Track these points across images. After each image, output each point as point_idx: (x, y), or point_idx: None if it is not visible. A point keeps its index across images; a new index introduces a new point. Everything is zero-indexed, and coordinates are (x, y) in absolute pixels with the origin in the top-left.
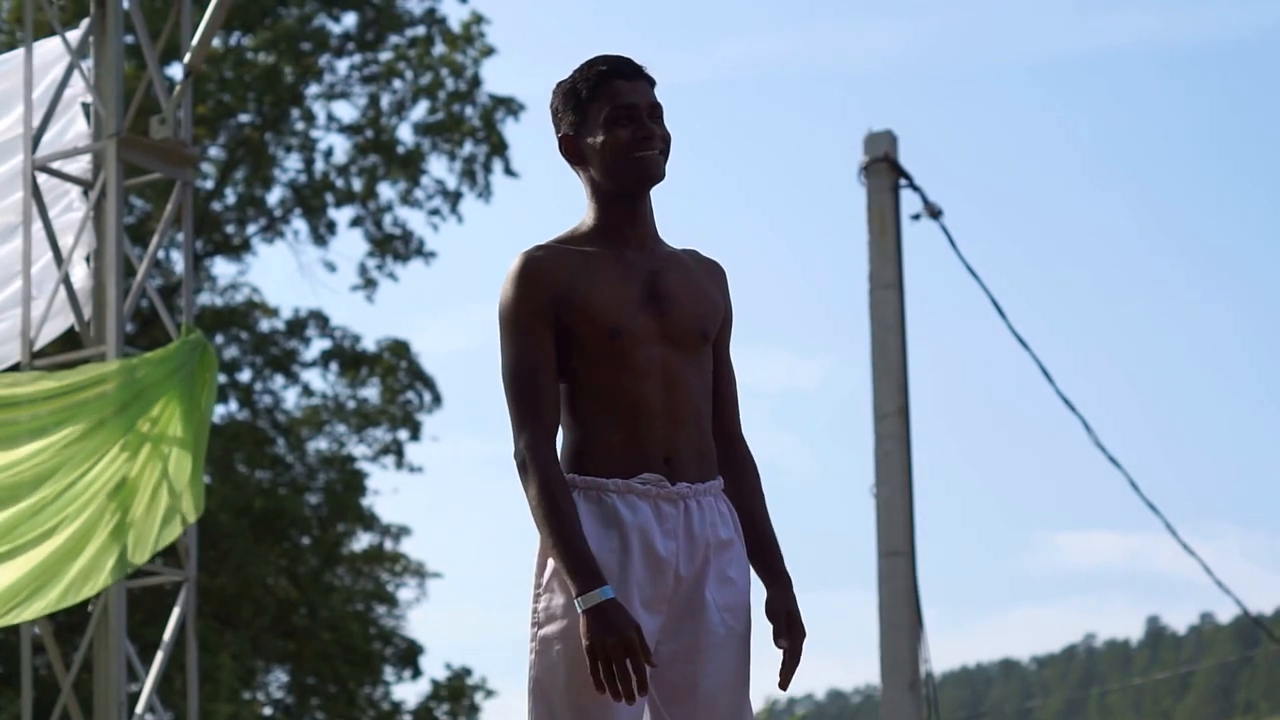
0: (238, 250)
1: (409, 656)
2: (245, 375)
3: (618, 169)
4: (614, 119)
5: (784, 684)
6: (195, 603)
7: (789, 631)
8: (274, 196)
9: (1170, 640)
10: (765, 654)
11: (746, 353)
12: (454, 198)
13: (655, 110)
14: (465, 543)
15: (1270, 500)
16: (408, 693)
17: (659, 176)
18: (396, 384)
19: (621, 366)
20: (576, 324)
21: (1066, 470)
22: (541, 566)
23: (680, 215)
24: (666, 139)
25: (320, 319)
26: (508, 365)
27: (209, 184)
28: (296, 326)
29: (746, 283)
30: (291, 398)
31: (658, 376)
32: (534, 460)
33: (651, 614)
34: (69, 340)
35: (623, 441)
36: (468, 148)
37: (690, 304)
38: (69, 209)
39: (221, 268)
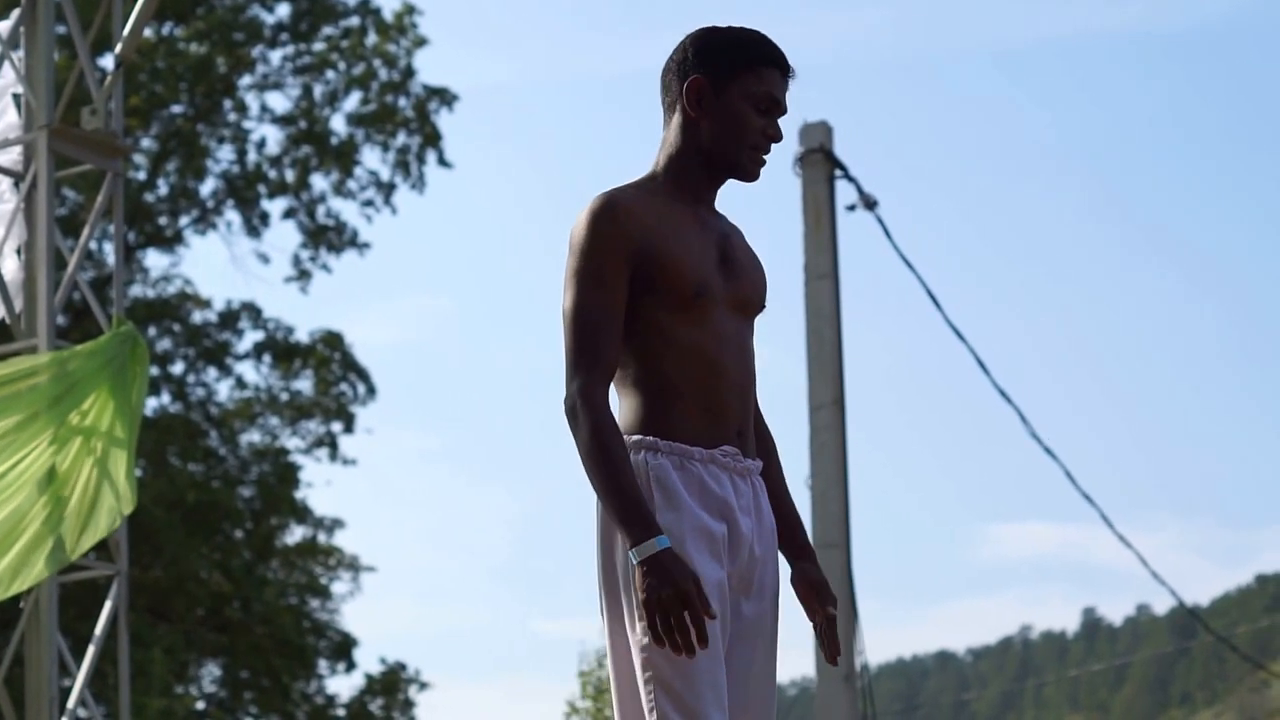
0: (170, 242)
1: (343, 650)
2: (178, 367)
3: (732, 147)
4: (760, 100)
5: (836, 653)
6: (127, 597)
7: (828, 599)
8: (206, 188)
9: (1106, 632)
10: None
11: None
12: (387, 189)
13: (785, 113)
14: (399, 536)
15: (1207, 491)
16: (342, 686)
17: (754, 179)
18: (330, 376)
19: (704, 328)
20: (659, 276)
21: (1002, 461)
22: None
23: None
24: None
25: (253, 311)
26: (574, 306)
27: (141, 175)
28: (229, 318)
29: None
30: (224, 390)
31: (732, 343)
32: (587, 405)
33: (732, 590)
34: None
35: (704, 410)
36: (401, 138)
37: (753, 271)
38: None
39: (154, 259)
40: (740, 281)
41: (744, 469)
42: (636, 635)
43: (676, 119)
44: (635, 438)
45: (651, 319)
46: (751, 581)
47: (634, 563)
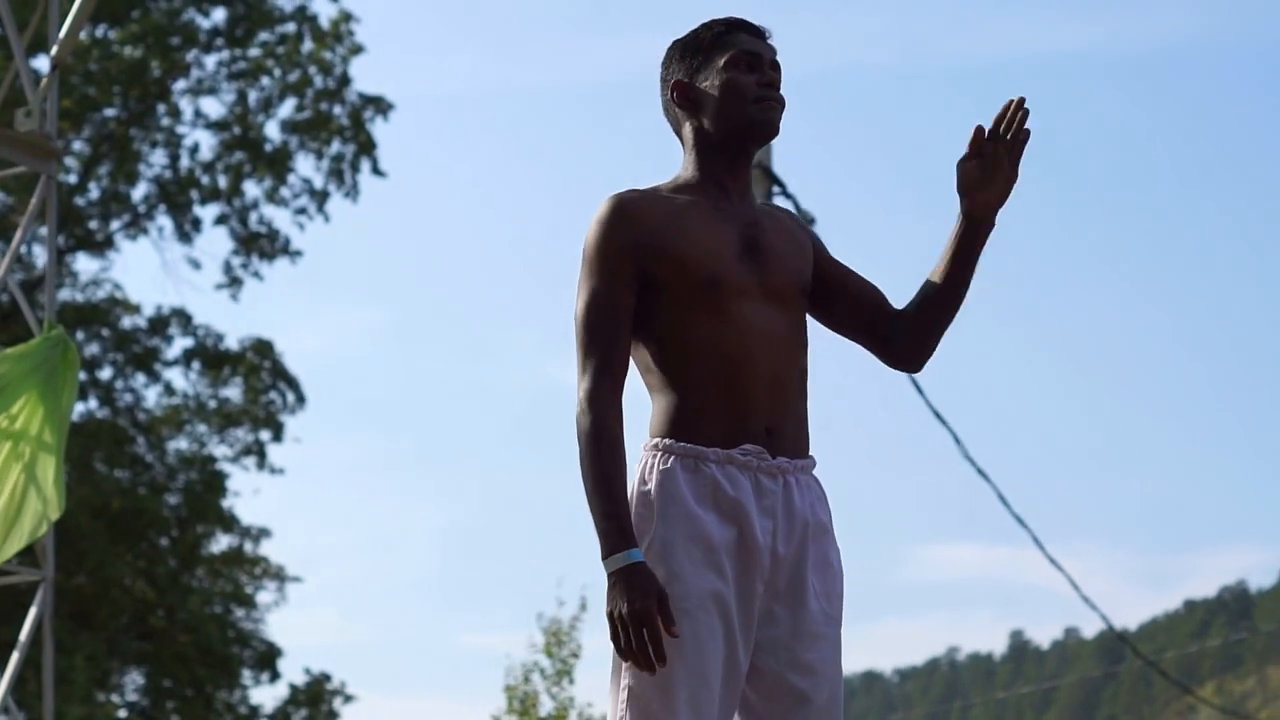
0: (100, 246)
1: (267, 660)
2: (106, 373)
3: (735, 114)
4: (736, 62)
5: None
6: (53, 603)
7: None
8: (138, 192)
9: (1034, 655)
10: None
11: None
12: (321, 197)
13: (777, 66)
14: (326, 546)
15: (1135, 516)
16: (265, 696)
17: (775, 131)
18: (259, 384)
19: (721, 321)
20: (669, 274)
21: (931, 482)
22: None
23: (557, 214)
24: (784, 100)
25: (183, 317)
26: (581, 311)
27: (72, 178)
28: (159, 324)
29: None
30: (152, 396)
31: (760, 334)
32: (588, 408)
33: (745, 597)
34: None
35: (724, 407)
36: (335, 146)
37: (788, 255)
38: None
39: (83, 263)
40: (772, 269)
41: (772, 468)
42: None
43: (683, 129)
44: (653, 441)
45: (668, 318)
46: (779, 586)
47: (606, 573)
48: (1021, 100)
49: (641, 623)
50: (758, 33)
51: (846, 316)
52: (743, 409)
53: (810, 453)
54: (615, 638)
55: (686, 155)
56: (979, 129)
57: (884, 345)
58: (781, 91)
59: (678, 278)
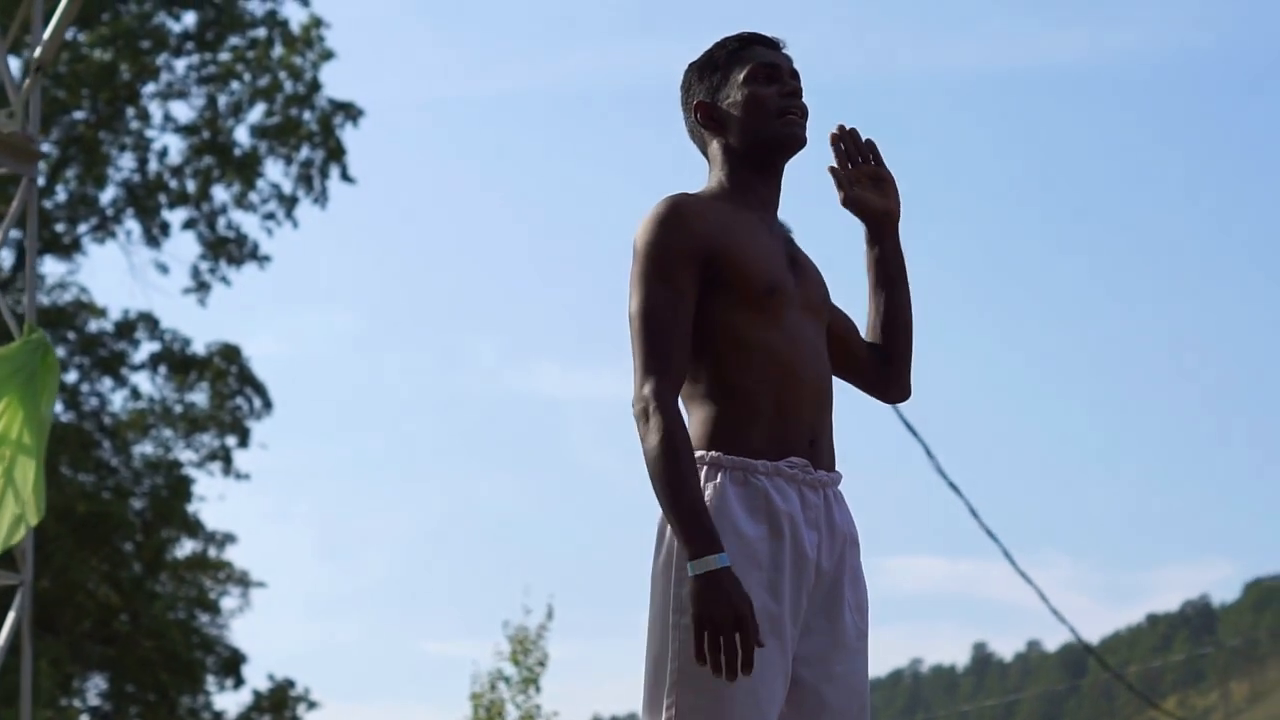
0: (68, 249)
1: (231, 665)
2: (72, 376)
3: (760, 128)
4: (755, 75)
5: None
6: (31, 607)
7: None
8: (107, 195)
9: (997, 667)
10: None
11: (583, 369)
12: (289, 202)
13: (796, 74)
14: (291, 552)
15: (1097, 530)
16: (229, 702)
17: (801, 143)
18: (226, 389)
19: (776, 330)
20: (730, 278)
21: (896, 495)
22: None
23: (527, 222)
24: (807, 109)
25: (150, 321)
26: (641, 307)
27: (40, 180)
28: (126, 328)
29: (589, 301)
30: (118, 400)
31: (806, 345)
32: (659, 409)
33: (794, 612)
34: None
35: (773, 416)
36: (305, 152)
37: (817, 275)
38: None
39: (50, 266)
40: (810, 283)
41: (815, 480)
42: (671, 654)
43: (710, 147)
44: (699, 454)
45: (723, 322)
46: (819, 599)
47: (690, 575)
48: (841, 130)
49: (737, 629)
50: (772, 44)
51: (840, 357)
52: (791, 419)
53: (836, 469)
54: (700, 640)
55: (716, 172)
56: (832, 169)
57: (877, 383)
58: (804, 100)
59: (739, 282)
